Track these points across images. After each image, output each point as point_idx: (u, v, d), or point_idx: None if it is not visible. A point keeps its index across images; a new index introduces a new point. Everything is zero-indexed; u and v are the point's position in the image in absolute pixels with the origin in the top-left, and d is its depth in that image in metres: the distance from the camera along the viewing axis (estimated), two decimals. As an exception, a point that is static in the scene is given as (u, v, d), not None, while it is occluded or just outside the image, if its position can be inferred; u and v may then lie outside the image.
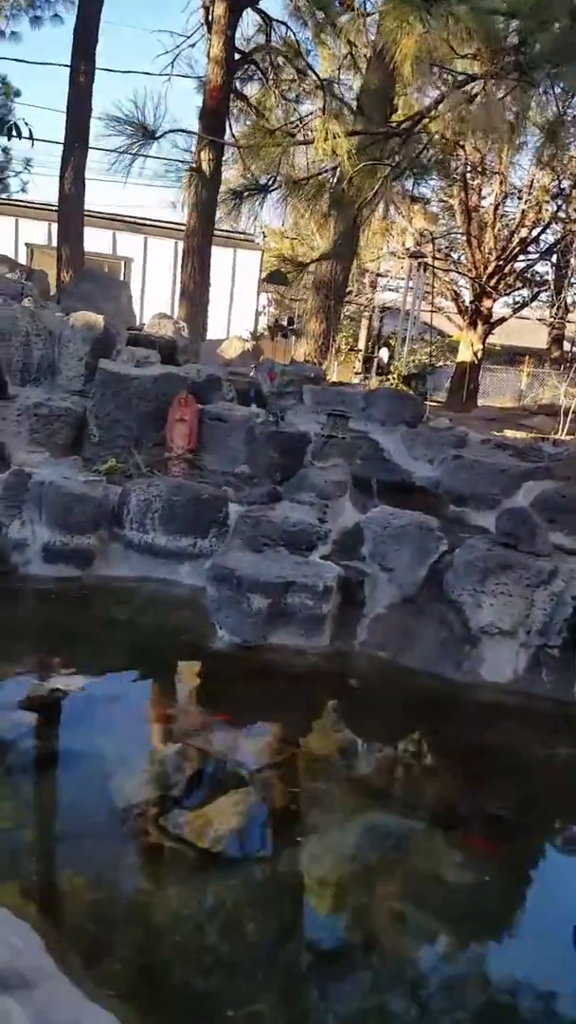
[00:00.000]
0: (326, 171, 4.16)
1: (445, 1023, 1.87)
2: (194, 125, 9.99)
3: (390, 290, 21.16)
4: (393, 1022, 1.83)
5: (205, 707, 3.28)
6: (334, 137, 3.91)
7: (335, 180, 4.17)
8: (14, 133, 9.12)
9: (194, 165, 8.09)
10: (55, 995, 1.39)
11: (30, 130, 10.01)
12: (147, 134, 4.18)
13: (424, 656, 3.79)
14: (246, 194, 4.52)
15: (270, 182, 4.40)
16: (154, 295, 15.62)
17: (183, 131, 4.22)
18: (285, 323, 7.59)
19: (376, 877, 2.28)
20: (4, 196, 19.49)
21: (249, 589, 3.73)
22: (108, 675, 3.30)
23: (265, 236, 20.56)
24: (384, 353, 15.51)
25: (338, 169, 4.13)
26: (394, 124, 4.46)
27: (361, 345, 19.59)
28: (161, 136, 4.20)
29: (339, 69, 12.60)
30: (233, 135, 11.26)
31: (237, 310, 15.89)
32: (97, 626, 3.96)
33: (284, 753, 2.93)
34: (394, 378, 12.11)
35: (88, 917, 1.95)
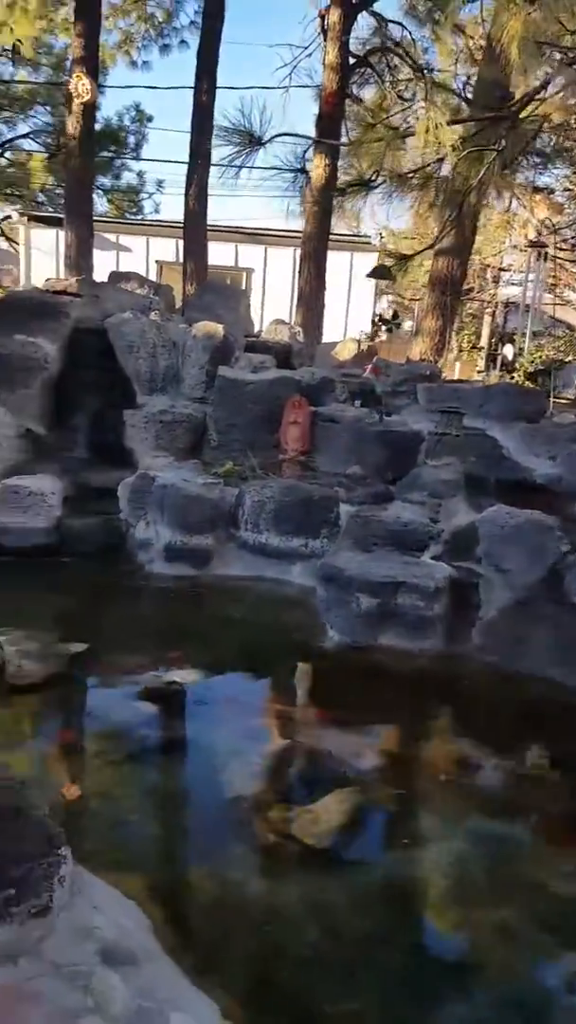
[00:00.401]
0: (432, 163, 4.09)
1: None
2: (312, 132, 10.16)
3: (513, 284, 20.45)
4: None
5: (314, 706, 3.32)
6: (436, 127, 3.83)
7: (442, 172, 4.10)
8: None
9: (307, 170, 8.21)
10: (158, 975, 1.47)
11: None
12: (253, 141, 4.28)
13: (541, 661, 3.64)
14: (348, 191, 4.52)
15: (373, 177, 4.37)
16: (274, 303, 15.93)
17: (290, 135, 4.30)
18: (390, 316, 7.49)
19: (481, 884, 2.22)
20: (139, 216, 20.61)
21: (358, 589, 3.74)
22: (222, 671, 3.41)
23: (382, 237, 20.45)
24: (508, 350, 14.99)
25: (444, 161, 4.05)
26: (501, 109, 4.32)
27: (484, 343, 19.05)
28: (268, 142, 4.29)
29: (456, 63, 12.36)
30: (349, 139, 11.31)
31: (354, 313, 15.90)
32: (212, 624, 4.10)
33: (393, 754, 2.92)
34: (519, 375, 11.70)
35: (193, 904, 2.03)
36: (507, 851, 2.39)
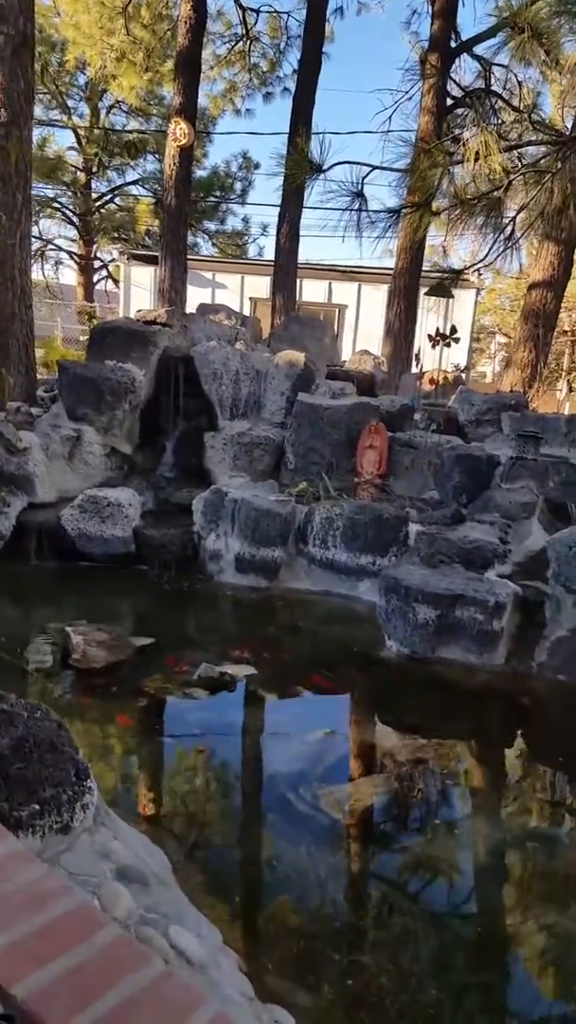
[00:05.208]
0: (497, 190, 4.11)
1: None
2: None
3: None
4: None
5: (364, 707, 3.36)
6: (487, 153, 3.88)
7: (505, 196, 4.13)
8: None
9: (364, 193, 8.34)
10: (166, 897, 1.58)
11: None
12: (314, 168, 4.53)
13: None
14: (405, 213, 4.59)
15: (428, 199, 4.45)
16: (367, 338, 16.17)
17: (349, 162, 4.49)
18: (448, 332, 7.45)
19: (504, 867, 2.20)
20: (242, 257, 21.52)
21: (416, 599, 3.76)
22: (278, 670, 3.50)
23: (480, 274, 20.38)
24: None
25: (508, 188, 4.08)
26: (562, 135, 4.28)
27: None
28: (327, 169, 4.53)
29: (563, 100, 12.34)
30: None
31: (452, 346, 15.90)
32: (275, 630, 4.22)
33: (433, 752, 2.92)
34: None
35: (211, 854, 2.15)
36: (538, 842, 2.35)
